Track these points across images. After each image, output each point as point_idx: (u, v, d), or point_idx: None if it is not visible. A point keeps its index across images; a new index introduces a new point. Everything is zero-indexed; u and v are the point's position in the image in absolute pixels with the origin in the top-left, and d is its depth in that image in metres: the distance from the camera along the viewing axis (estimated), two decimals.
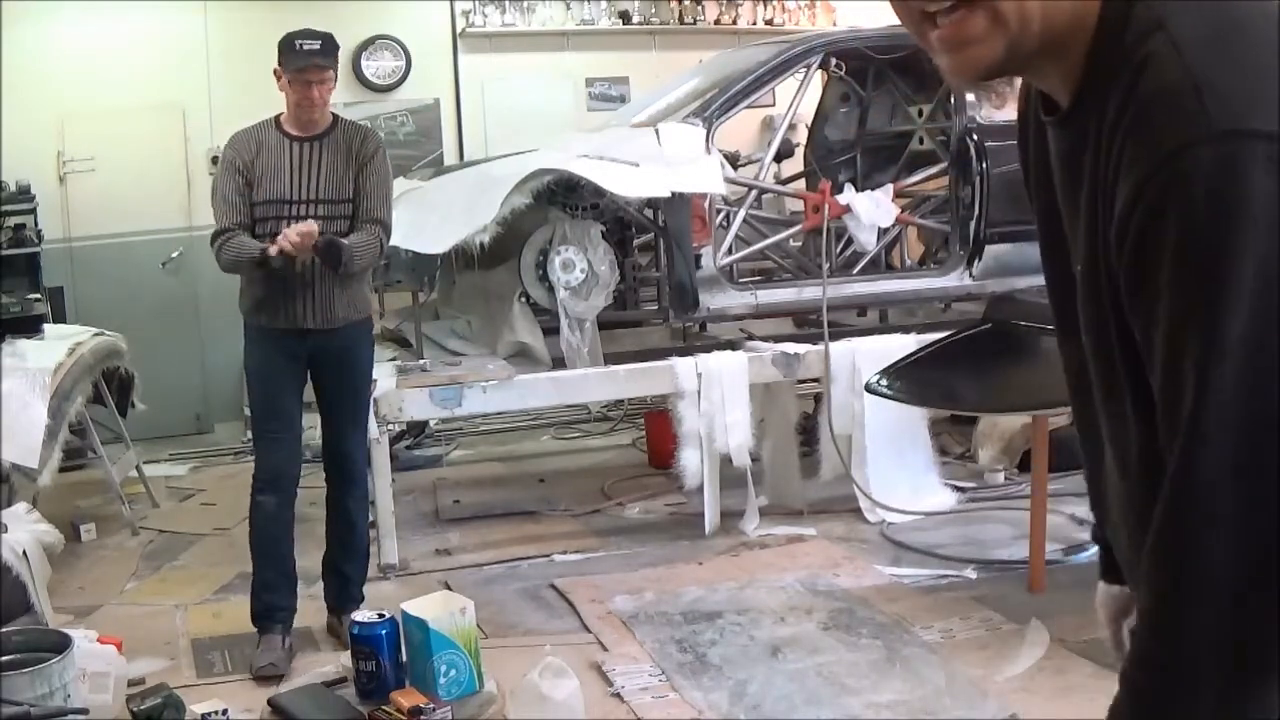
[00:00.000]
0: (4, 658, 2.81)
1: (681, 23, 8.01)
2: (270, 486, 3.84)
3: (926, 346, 4.53)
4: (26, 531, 3.95)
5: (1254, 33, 0.95)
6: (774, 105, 7.19)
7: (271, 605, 3.86)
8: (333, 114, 3.94)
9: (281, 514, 3.86)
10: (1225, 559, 0.91)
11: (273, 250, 3.62)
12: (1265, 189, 0.88)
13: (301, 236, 3.61)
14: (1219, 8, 0.97)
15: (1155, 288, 0.94)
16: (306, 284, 3.77)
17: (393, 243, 4.69)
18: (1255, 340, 0.90)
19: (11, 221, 6.55)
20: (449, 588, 4.16)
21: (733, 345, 5.27)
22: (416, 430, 6.64)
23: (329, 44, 3.81)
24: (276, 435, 3.85)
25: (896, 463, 5.18)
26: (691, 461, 4.89)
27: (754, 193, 5.58)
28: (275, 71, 3.80)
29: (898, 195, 5.63)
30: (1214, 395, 0.90)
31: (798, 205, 5.81)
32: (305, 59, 3.73)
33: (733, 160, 5.73)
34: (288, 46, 3.77)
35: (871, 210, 5.46)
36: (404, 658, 2.96)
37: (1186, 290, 0.92)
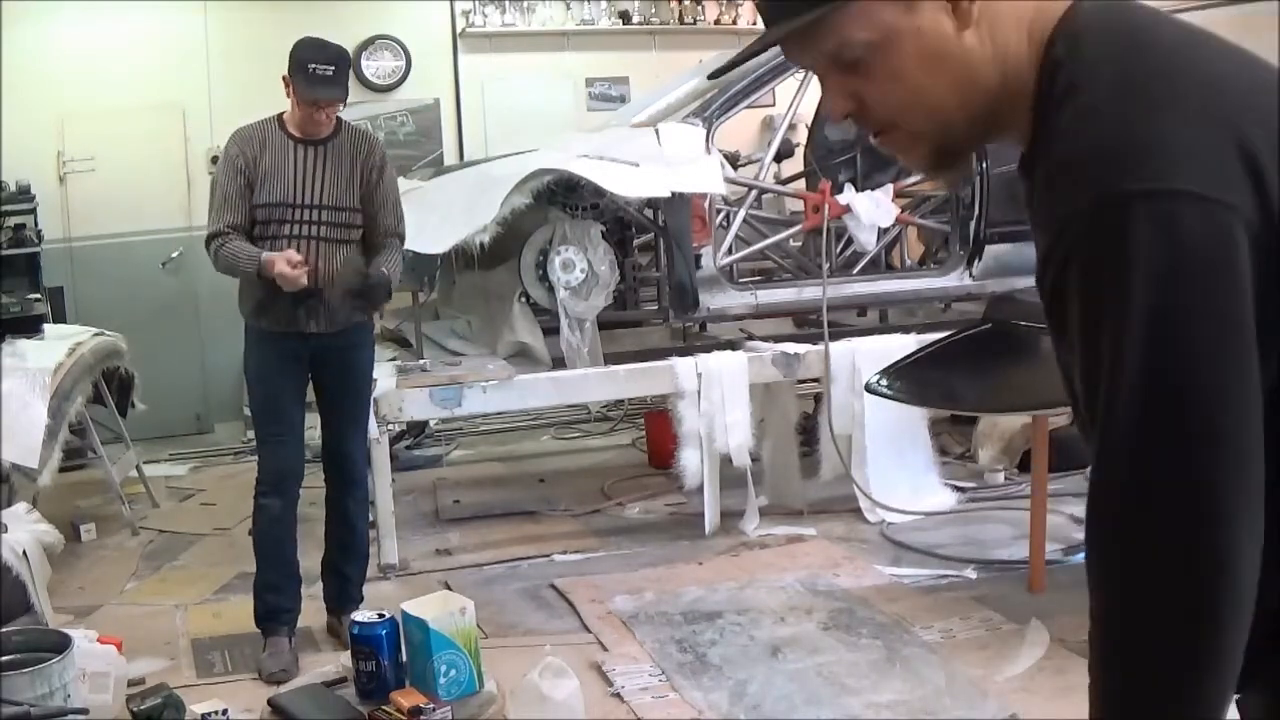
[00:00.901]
0: (4, 658, 2.81)
1: (681, 23, 8.02)
2: (274, 489, 3.82)
3: (926, 346, 4.53)
4: (26, 531, 3.95)
5: (1165, 86, 1.01)
6: (774, 105, 7.20)
7: (276, 607, 3.85)
8: (337, 117, 3.89)
9: (286, 516, 3.84)
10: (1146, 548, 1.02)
11: (278, 268, 3.60)
12: (1144, 239, 0.97)
13: (294, 268, 3.60)
14: (1141, 58, 1.03)
15: (1070, 337, 1.06)
16: (309, 289, 3.73)
17: None
18: (1150, 366, 1.00)
19: (11, 221, 6.56)
20: (449, 588, 4.15)
21: (733, 345, 5.27)
22: (416, 430, 6.64)
23: (341, 69, 3.71)
24: (279, 438, 3.82)
25: (896, 463, 5.18)
26: (691, 461, 4.89)
27: (754, 193, 5.58)
28: (284, 79, 3.71)
29: (898, 195, 5.63)
30: (1122, 410, 1.01)
31: (798, 205, 5.81)
32: (316, 91, 3.65)
33: (733, 160, 5.73)
34: (300, 68, 3.65)
35: (871, 210, 5.46)
36: (404, 658, 2.96)
37: (1089, 345, 1.03)
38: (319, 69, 3.64)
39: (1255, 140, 0.98)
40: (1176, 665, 1.02)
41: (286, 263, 3.61)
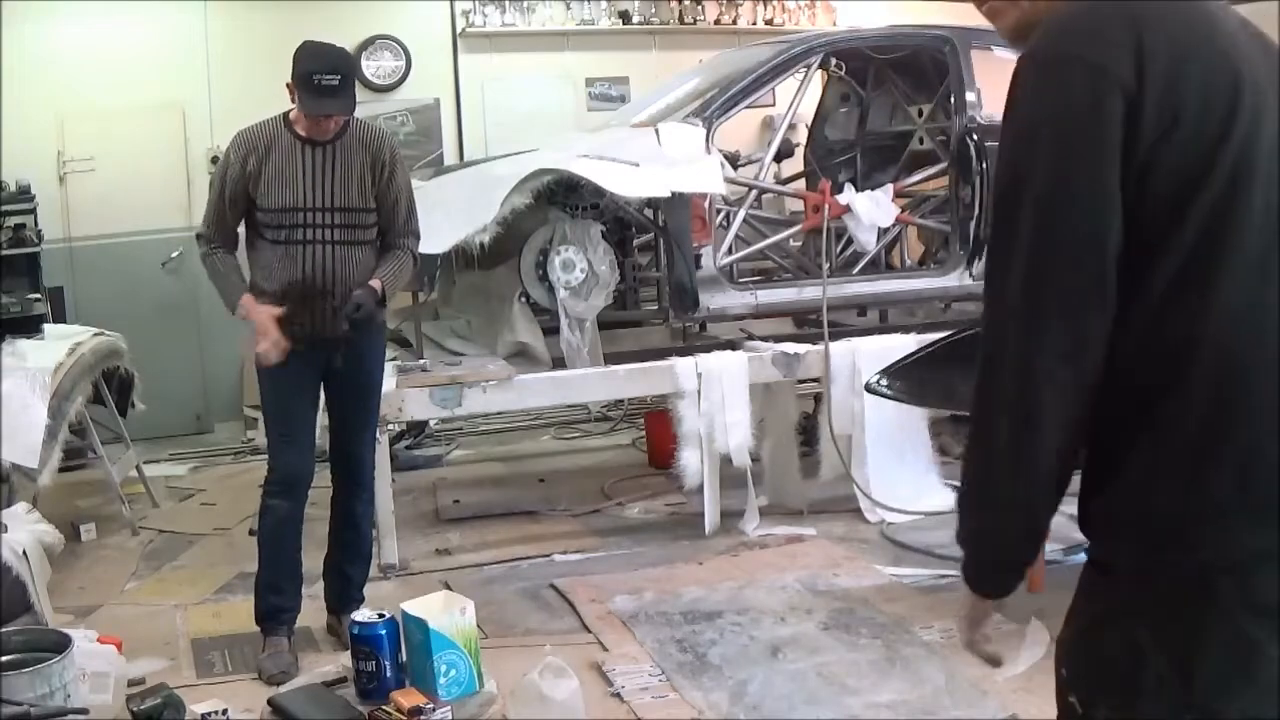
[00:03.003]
0: (4, 658, 2.81)
1: (681, 23, 8.02)
2: (284, 490, 3.79)
3: (926, 346, 4.53)
4: (26, 531, 3.94)
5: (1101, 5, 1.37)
6: (774, 105, 7.20)
7: (279, 608, 3.84)
8: None
9: (293, 517, 3.81)
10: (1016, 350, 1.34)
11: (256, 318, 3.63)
12: (1032, 84, 1.36)
13: (272, 346, 3.59)
14: None
15: None
16: (317, 294, 3.69)
17: None
18: (1004, 173, 1.41)
19: (11, 221, 6.56)
20: (449, 588, 4.15)
21: (733, 345, 5.27)
22: (416, 430, 6.64)
23: (347, 77, 3.61)
24: (291, 438, 3.79)
25: (896, 463, 5.18)
26: (691, 461, 4.89)
27: (754, 193, 5.58)
28: (288, 86, 3.61)
29: (898, 195, 5.63)
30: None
31: (798, 205, 5.81)
32: (323, 105, 3.56)
33: (733, 160, 5.73)
34: (304, 81, 3.53)
35: (871, 210, 5.46)
36: (404, 658, 2.96)
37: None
38: (324, 80, 3.53)
39: (1151, 36, 1.30)
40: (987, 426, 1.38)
41: (268, 316, 3.60)
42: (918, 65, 6.03)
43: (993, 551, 1.49)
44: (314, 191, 3.67)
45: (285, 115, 3.74)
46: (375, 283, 3.73)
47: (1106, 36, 1.31)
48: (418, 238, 3.92)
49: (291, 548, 3.84)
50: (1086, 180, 1.29)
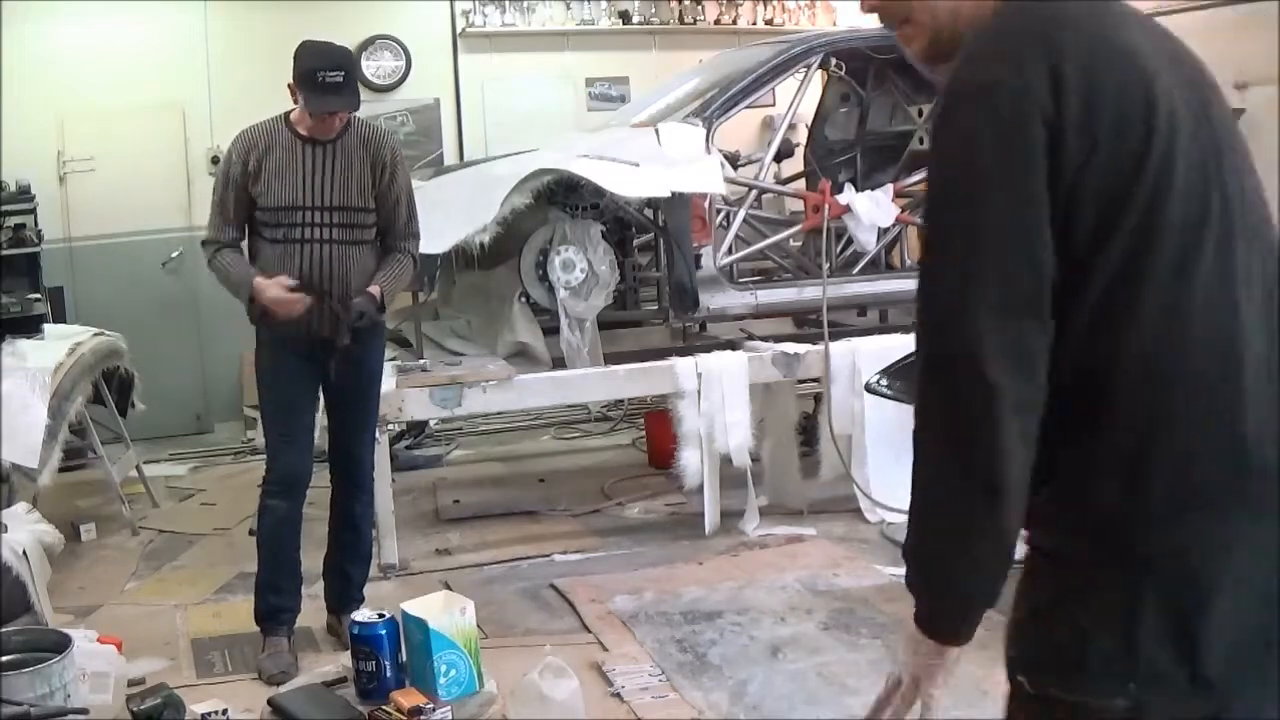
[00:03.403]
0: (4, 658, 2.81)
1: (681, 23, 8.02)
2: (283, 491, 3.78)
3: None
4: (26, 531, 3.94)
5: (1016, 23, 1.40)
6: (774, 105, 7.20)
7: (278, 607, 3.84)
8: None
9: (291, 517, 3.81)
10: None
11: (270, 294, 3.60)
12: (960, 113, 1.38)
13: (288, 292, 3.59)
14: (1019, 12, 1.41)
15: None
16: (316, 293, 3.68)
17: None
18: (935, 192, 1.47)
19: (11, 221, 6.56)
20: (449, 588, 4.15)
21: (733, 345, 5.27)
22: (416, 430, 6.64)
23: (351, 74, 3.61)
24: (290, 438, 3.78)
25: (896, 463, 5.17)
26: (691, 461, 4.89)
27: (754, 193, 5.58)
28: (290, 86, 3.62)
29: (898, 195, 5.63)
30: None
31: (798, 205, 5.81)
32: (328, 102, 3.56)
33: (733, 160, 5.73)
34: (307, 78, 3.54)
35: (871, 210, 5.46)
36: (404, 658, 2.96)
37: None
38: (328, 76, 3.52)
39: (1065, 63, 1.32)
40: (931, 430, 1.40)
41: (280, 287, 3.58)
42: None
43: (961, 599, 1.49)
44: (312, 190, 3.67)
45: (286, 115, 3.73)
46: (375, 289, 3.73)
47: (1024, 64, 1.33)
48: (418, 239, 3.91)
49: (290, 547, 3.84)
50: (1018, 206, 1.32)
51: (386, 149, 3.78)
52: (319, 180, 3.68)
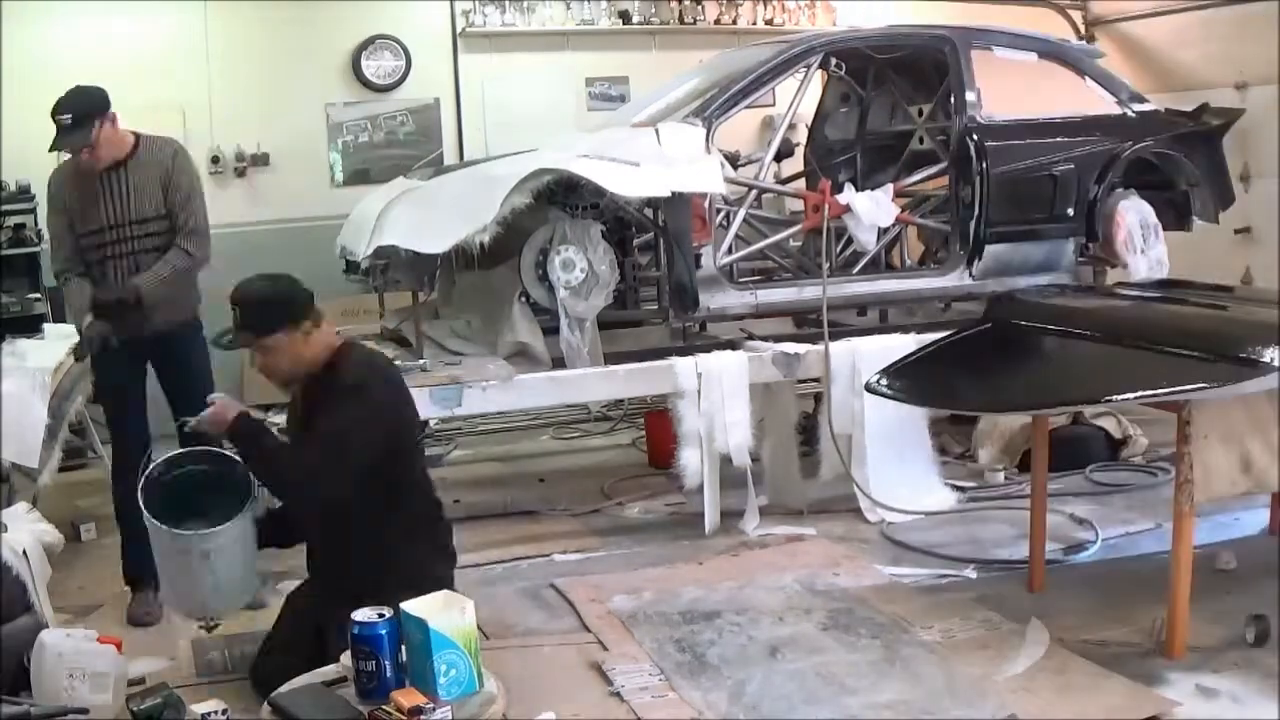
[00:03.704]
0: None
1: (681, 23, 8.01)
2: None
3: (926, 346, 4.53)
4: (26, 531, 3.94)
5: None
6: (774, 105, 7.19)
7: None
8: (133, 135, 4.31)
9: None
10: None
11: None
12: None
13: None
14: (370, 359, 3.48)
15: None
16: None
17: (392, 242, 4.71)
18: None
19: (11, 221, 6.55)
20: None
21: (733, 345, 5.27)
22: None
23: (80, 116, 4.11)
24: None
25: (896, 463, 5.18)
26: (691, 461, 4.89)
27: (754, 192, 5.58)
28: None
29: (898, 195, 5.63)
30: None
31: (798, 205, 5.81)
32: (60, 138, 4.13)
33: (733, 160, 5.72)
34: (53, 119, 4.13)
35: (871, 210, 5.46)
36: (404, 657, 2.96)
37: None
38: (59, 118, 4.11)
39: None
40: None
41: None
42: (918, 65, 6.03)
43: None
44: (111, 211, 4.25)
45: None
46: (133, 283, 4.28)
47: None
48: (196, 235, 4.35)
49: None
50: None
51: (167, 153, 4.33)
52: (116, 201, 4.25)
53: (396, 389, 3.59)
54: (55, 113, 4.12)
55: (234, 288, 3.50)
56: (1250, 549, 4.44)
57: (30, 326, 5.51)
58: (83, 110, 4.13)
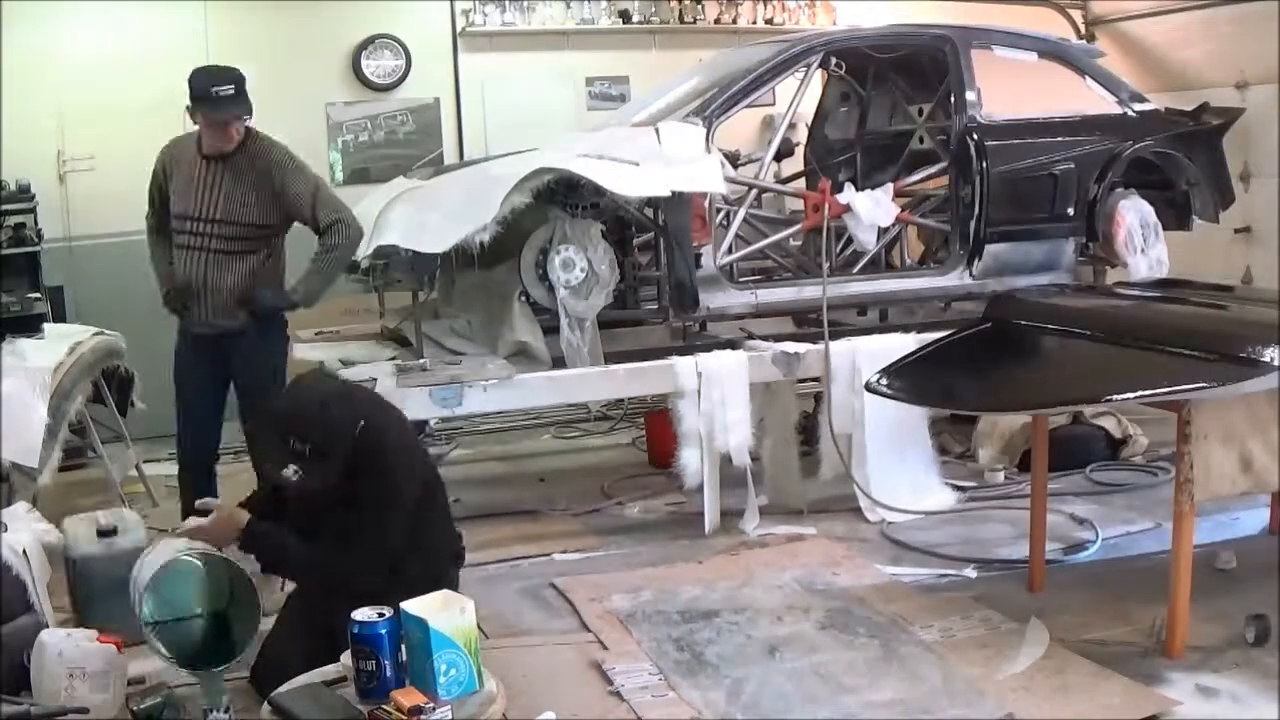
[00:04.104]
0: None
1: (681, 22, 8.01)
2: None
3: (926, 346, 4.53)
4: (26, 531, 3.94)
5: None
6: (774, 104, 7.19)
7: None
8: (246, 128, 4.32)
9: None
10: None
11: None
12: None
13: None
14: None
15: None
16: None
17: (392, 242, 4.71)
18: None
19: (11, 221, 6.54)
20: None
21: (733, 344, 5.27)
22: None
23: (241, 88, 4.20)
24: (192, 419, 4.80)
25: (896, 462, 5.18)
26: (691, 461, 4.89)
27: (754, 192, 5.58)
28: (187, 109, 4.28)
29: (898, 194, 5.63)
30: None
31: (798, 204, 5.81)
32: (219, 107, 4.17)
33: (733, 159, 5.73)
34: (201, 94, 4.19)
35: (871, 209, 5.46)
36: (404, 657, 2.96)
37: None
38: (219, 90, 4.18)
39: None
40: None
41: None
42: (918, 65, 6.03)
43: None
44: (202, 203, 4.30)
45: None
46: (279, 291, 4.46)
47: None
48: (345, 226, 4.40)
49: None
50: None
51: (269, 156, 4.33)
52: (208, 193, 4.29)
53: (411, 455, 3.44)
54: (209, 84, 4.18)
55: (288, 417, 3.21)
56: (1250, 549, 4.44)
57: (30, 326, 5.50)
58: (241, 83, 4.22)
